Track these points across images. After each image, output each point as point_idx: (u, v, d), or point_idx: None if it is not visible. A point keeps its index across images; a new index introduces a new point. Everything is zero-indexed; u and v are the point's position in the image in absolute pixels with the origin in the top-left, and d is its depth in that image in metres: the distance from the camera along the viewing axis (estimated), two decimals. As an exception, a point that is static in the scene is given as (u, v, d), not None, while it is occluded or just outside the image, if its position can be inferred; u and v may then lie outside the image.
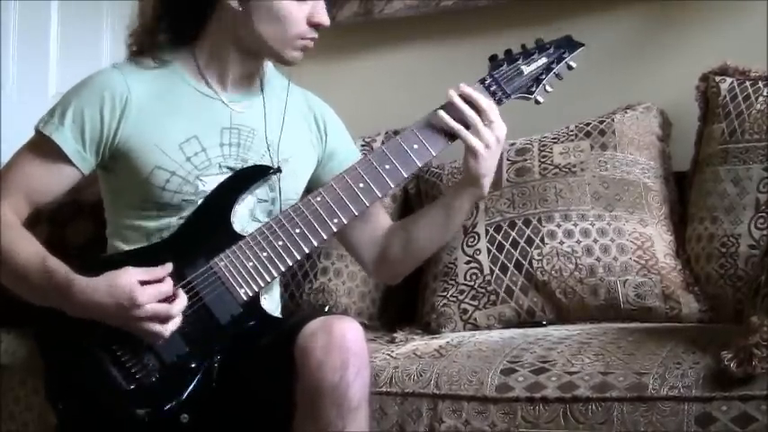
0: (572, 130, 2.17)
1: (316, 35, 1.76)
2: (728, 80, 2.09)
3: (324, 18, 1.75)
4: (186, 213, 1.73)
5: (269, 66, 1.88)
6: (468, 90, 1.75)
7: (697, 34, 2.31)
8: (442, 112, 1.75)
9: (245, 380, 1.63)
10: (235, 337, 1.67)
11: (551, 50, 1.85)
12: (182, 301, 1.61)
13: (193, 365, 1.64)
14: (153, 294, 1.57)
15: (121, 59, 1.85)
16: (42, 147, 1.72)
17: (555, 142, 2.16)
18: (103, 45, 3.13)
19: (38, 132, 1.74)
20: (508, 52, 1.83)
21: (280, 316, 1.84)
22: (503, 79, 1.80)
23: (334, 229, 1.73)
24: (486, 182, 1.76)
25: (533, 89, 1.82)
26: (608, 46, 2.38)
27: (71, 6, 3.12)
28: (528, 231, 2.06)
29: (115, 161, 1.74)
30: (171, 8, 1.80)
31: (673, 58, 2.32)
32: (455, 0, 2.53)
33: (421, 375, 1.70)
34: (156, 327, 1.58)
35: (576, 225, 2.04)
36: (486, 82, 1.80)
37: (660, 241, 2.03)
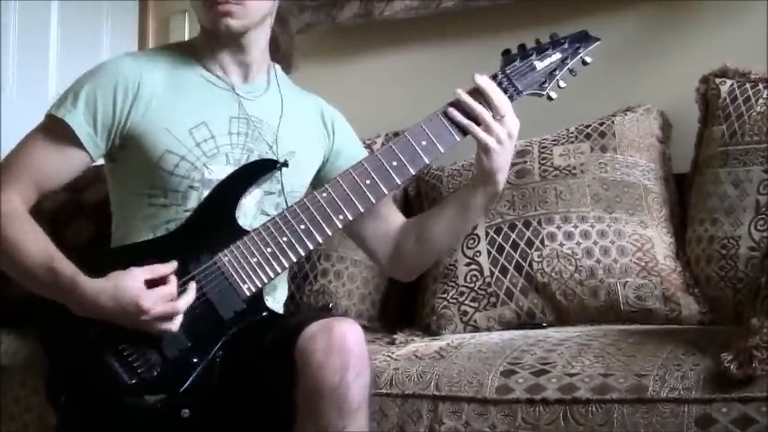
0: (572, 132, 2.17)
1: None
2: (729, 82, 2.09)
3: None
4: (191, 202, 1.73)
5: (278, 67, 1.91)
6: (482, 82, 1.74)
7: (697, 35, 2.31)
8: (452, 110, 1.74)
9: (247, 379, 1.63)
10: (237, 333, 1.67)
11: (566, 45, 1.84)
12: (189, 296, 1.62)
13: (195, 360, 1.65)
14: (158, 298, 1.58)
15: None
16: (53, 130, 1.73)
17: (555, 144, 2.16)
18: (103, 45, 3.13)
19: (49, 117, 1.74)
20: (522, 47, 1.82)
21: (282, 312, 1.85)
22: (515, 75, 1.79)
23: (339, 226, 1.73)
24: (501, 178, 1.76)
25: (546, 85, 1.82)
26: (608, 47, 2.36)
27: (71, 6, 3.13)
28: (528, 233, 2.06)
29: (125, 148, 1.75)
30: None
31: (673, 59, 2.33)
32: (455, 1, 2.53)
33: (421, 377, 1.70)
34: (163, 326, 1.59)
35: (576, 227, 2.04)
36: (498, 78, 1.79)
37: (660, 243, 2.03)
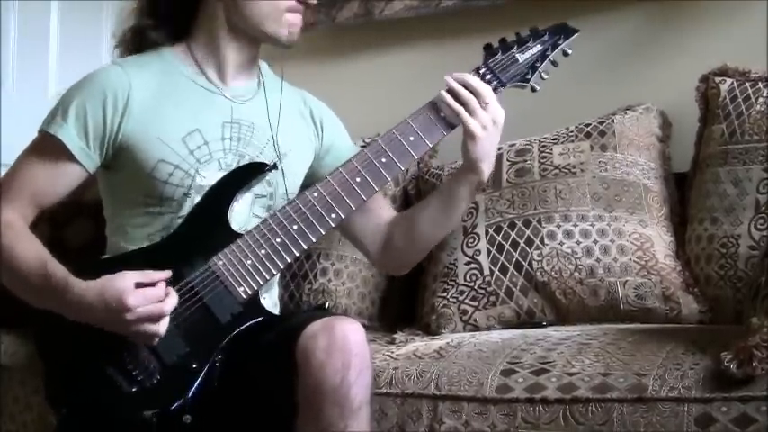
0: (572, 131, 2.17)
1: (301, 10, 1.78)
2: (728, 81, 2.09)
3: None
4: (184, 209, 1.73)
5: (264, 65, 1.90)
6: (462, 75, 1.77)
7: (697, 35, 2.31)
8: (444, 93, 1.76)
9: (248, 380, 1.63)
10: (235, 336, 1.67)
11: (546, 37, 1.87)
12: (172, 299, 1.60)
13: (195, 365, 1.64)
14: (144, 297, 1.56)
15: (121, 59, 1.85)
16: (46, 147, 1.72)
17: (555, 143, 2.16)
18: (103, 45, 3.12)
19: (41, 133, 1.73)
20: (503, 40, 1.85)
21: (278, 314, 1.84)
22: (497, 68, 1.82)
23: (332, 225, 1.74)
24: (485, 167, 1.77)
25: (529, 77, 1.84)
26: (608, 47, 2.38)
27: (71, 6, 3.13)
28: (528, 232, 2.06)
29: (118, 158, 1.74)
30: (159, 8, 1.82)
31: (673, 58, 2.32)
32: (455, 1, 2.53)
33: (421, 376, 1.70)
34: (150, 327, 1.57)
35: (575, 226, 2.04)
36: (481, 71, 1.81)
37: (660, 242, 2.03)
